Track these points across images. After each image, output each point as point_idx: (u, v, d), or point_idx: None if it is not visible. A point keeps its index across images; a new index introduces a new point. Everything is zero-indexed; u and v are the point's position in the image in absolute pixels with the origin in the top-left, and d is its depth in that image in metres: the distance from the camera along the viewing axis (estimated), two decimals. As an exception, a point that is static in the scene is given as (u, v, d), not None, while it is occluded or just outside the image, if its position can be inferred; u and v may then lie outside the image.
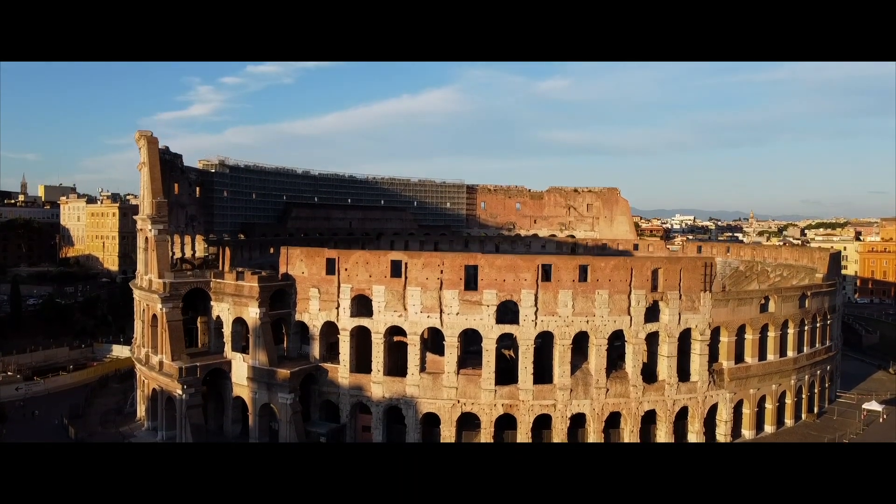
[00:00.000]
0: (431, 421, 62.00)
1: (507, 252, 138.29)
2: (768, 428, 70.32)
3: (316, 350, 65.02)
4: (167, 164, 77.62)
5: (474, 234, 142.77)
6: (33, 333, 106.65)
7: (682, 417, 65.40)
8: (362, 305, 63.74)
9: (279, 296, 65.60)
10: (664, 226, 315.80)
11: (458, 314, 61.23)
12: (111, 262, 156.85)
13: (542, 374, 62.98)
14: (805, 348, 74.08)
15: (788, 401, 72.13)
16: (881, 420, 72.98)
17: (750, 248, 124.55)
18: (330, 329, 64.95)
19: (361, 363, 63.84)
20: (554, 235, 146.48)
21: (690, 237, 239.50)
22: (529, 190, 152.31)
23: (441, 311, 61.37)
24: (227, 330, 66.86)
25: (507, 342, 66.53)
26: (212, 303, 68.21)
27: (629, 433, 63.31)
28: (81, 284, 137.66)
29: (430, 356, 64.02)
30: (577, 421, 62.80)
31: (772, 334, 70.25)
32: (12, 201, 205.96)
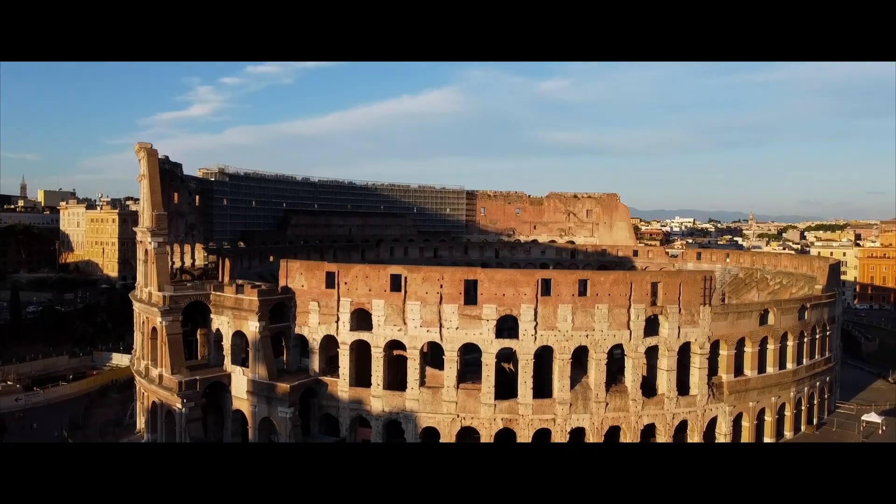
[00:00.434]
0: (431, 435, 61.98)
1: (507, 257, 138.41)
2: (767, 440, 70.34)
3: (316, 363, 65.02)
4: (167, 174, 77.67)
5: (474, 240, 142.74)
6: (33, 341, 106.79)
7: (681, 431, 65.40)
8: (362, 319, 63.76)
9: (279, 309, 65.61)
10: (664, 228, 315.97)
11: (457, 328, 61.25)
12: (111, 269, 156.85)
13: (542, 387, 63.01)
14: (804, 360, 74.11)
15: (788, 413, 72.16)
16: (880, 432, 73.04)
17: (749, 255, 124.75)
18: (329, 342, 64.97)
19: (361, 377, 63.87)
20: (554, 241, 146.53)
21: (690, 241, 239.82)
22: (529, 196, 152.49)
23: (441, 326, 61.39)
24: (226, 343, 66.87)
25: (506, 351, 66.55)
26: (211, 316, 68.20)
27: (629, 447, 63.37)
28: (81, 291, 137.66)
29: (429, 370, 64.07)
30: (577, 435, 62.80)
31: (771, 347, 70.28)
32: (12, 206, 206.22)
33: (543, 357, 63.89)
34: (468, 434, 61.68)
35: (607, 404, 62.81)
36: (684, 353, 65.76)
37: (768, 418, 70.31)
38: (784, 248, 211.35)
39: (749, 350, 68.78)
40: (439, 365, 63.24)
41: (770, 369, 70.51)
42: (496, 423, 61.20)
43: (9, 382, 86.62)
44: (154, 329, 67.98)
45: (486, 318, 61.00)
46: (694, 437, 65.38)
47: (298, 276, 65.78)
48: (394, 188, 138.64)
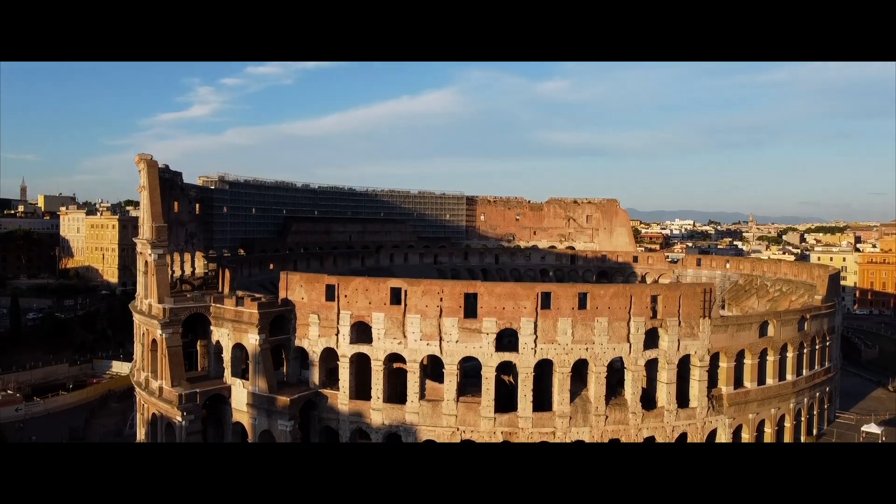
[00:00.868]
0: (431, 448, 62.04)
1: (507, 263, 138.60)
2: (767, 452, 70.32)
3: (315, 376, 65.04)
4: (167, 183, 77.74)
5: (474, 246, 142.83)
6: (33, 348, 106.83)
7: (681, 443, 65.43)
8: (362, 332, 63.79)
9: (279, 321, 65.63)
10: (663, 231, 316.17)
11: (457, 342, 61.27)
12: (111, 275, 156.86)
13: (542, 401, 63.02)
14: (804, 371, 74.12)
15: (787, 424, 72.16)
16: (880, 443, 73.04)
17: (749, 262, 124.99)
18: (329, 355, 64.98)
19: (361, 390, 63.89)
20: (553, 247, 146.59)
21: (690, 245, 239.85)
22: (529, 201, 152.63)
23: (441, 339, 61.42)
24: (226, 355, 66.89)
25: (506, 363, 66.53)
26: (211, 328, 68.21)
27: (628, 459, 63.29)
28: (81, 297, 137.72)
29: (429, 383, 64.10)
30: (577, 448, 62.81)
31: (771, 358, 70.28)
32: (12, 211, 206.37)
33: (543, 370, 63.93)
34: (468, 447, 61.72)
35: (607, 417, 62.83)
36: (684, 365, 65.76)
37: (768, 430, 70.29)
38: (784, 253, 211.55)
39: (749, 362, 68.78)
40: (439, 378, 63.28)
41: (770, 381, 70.49)
42: (496, 436, 61.19)
43: (9, 392, 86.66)
44: (154, 341, 68.00)
45: (485, 332, 61.03)
46: (694, 449, 65.33)
47: (298, 289, 65.82)
48: (394, 194, 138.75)
